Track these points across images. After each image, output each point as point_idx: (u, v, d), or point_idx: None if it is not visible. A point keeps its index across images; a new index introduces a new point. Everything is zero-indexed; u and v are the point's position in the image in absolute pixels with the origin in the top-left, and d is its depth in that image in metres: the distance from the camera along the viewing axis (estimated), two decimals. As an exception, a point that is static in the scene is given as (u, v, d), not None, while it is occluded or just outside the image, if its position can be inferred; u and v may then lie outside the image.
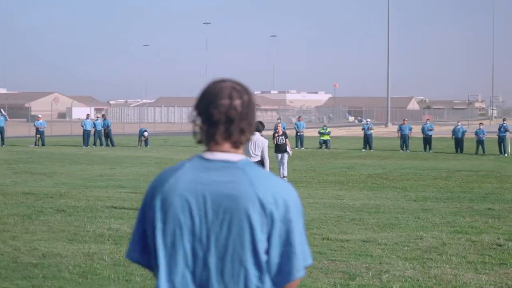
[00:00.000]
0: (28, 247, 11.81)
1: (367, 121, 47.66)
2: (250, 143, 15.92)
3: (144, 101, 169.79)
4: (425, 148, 44.09)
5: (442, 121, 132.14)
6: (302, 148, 46.19)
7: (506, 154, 40.32)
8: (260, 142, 15.98)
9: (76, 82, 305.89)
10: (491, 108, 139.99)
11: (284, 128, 48.76)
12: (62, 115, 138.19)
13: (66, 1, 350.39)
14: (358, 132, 74.98)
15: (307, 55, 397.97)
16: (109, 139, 47.23)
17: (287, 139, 26.33)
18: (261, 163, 16.05)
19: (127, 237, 12.86)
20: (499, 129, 41.50)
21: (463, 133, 42.81)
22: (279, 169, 25.31)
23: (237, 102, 2.92)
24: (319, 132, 47.63)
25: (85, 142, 46.19)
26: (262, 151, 16.00)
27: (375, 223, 14.61)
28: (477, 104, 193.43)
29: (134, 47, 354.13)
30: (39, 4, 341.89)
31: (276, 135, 26.38)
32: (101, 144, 46.79)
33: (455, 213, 16.23)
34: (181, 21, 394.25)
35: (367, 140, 45.60)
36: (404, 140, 44.97)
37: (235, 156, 2.94)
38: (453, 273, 10.18)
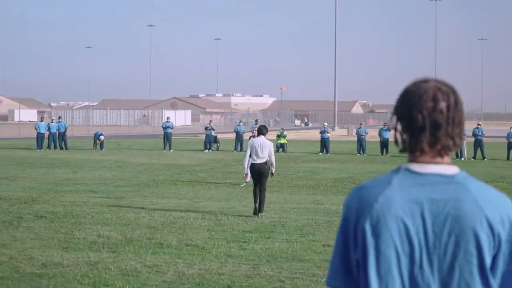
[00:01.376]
0: (24, 256, 11.35)
1: (324, 124, 47.57)
2: (257, 145, 16.26)
3: (87, 103, 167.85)
4: (382, 152, 44.27)
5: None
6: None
7: (462, 158, 40.68)
8: (266, 145, 16.60)
9: (14, 83, 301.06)
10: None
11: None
12: (3, 118, 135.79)
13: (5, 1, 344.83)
14: (308, 135, 75.20)
15: (251, 59, 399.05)
16: (63, 142, 46.42)
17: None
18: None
19: (121, 245, 12.48)
20: (456, 133, 41.82)
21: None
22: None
23: (443, 104, 2.60)
24: (277, 136, 47.44)
25: (39, 145, 45.28)
26: (269, 153, 16.53)
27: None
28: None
29: (76, 48, 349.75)
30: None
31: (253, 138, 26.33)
32: (55, 147, 45.93)
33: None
34: (124, 23, 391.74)
35: (324, 144, 45.54)
36: (361, 143, 45.01)
37: (449, 168, 2.61)
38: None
